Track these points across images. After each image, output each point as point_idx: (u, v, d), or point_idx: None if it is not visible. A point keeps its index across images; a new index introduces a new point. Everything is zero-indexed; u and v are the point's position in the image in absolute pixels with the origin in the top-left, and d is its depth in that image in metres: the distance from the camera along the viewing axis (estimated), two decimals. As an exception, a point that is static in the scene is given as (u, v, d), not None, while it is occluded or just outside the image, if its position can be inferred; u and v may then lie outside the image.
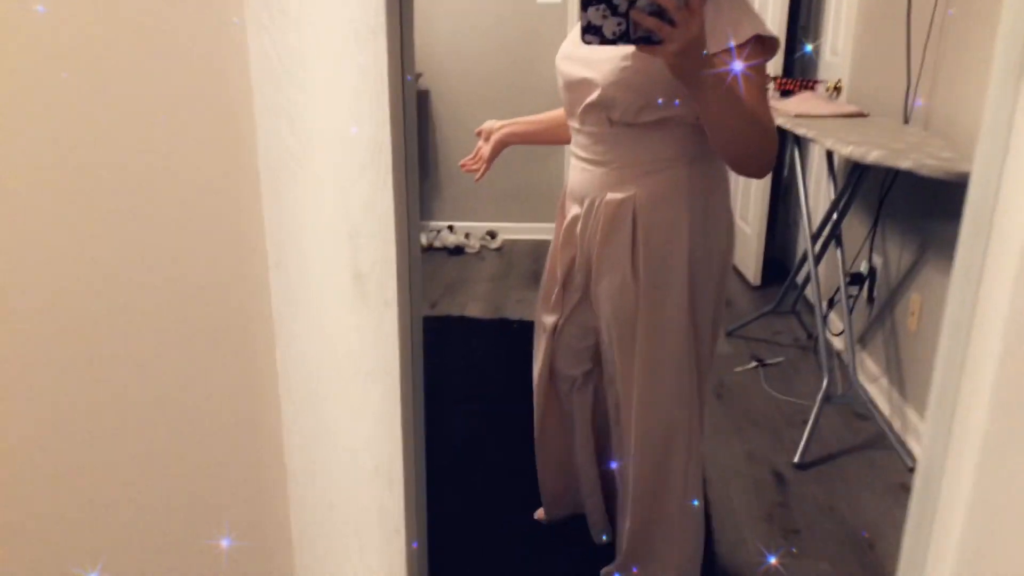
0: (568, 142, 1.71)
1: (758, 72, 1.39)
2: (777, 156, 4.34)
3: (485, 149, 1.87)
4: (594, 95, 1.49)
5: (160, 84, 0.62)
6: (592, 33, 1.21)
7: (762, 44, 1.38)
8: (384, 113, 0.54)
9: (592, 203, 1.61)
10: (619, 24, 1.19)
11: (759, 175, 1.47)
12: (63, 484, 0.81)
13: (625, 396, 1.67)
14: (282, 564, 0.73)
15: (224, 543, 0.78)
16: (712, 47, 1.30)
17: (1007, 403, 0.67)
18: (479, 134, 1.89)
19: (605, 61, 1.46)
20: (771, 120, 1.39)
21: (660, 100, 1.44)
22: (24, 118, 0.69)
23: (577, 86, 1.54)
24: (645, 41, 1.20)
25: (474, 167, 1.88)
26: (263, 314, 0.64)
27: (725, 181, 1.62)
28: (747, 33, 1.35)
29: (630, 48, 1.40)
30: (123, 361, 0.76)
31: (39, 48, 0.67)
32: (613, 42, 1.21)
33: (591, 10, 1.19)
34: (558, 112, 1.82)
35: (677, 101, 1.43)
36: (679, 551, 1.76)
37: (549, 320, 1.85)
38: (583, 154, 1.61)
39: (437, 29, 4.71)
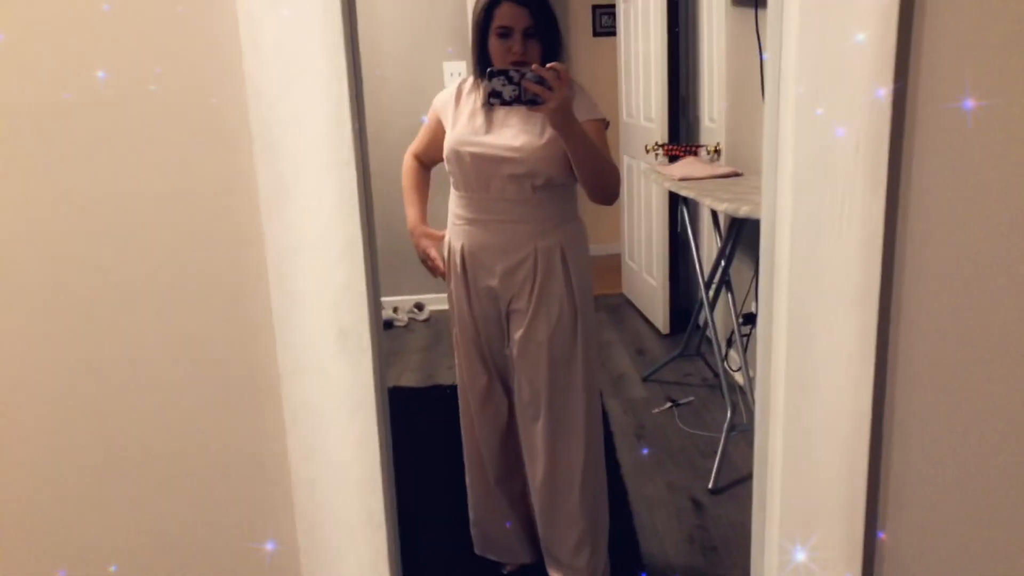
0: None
1: (604, 131, 1.98)
2: (670, 214, 4.63)
3: (438, 252, 2.16)
4: (520, 168, 1.89)
5: (192, 248, 0.89)
6: (495, 97, 1.66)
7: (604, 121, 1.96)
8: (355, 221, 0.79)
9: (525, 253, 1.97)
10: (514, 90, 1.65)
11: (609, 201, 1.97)
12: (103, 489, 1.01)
13: (565, 400, 2.05)
14: (287, 552, 0.95)
15: (268, 546, 0.99)
16: (580, 117, 1.82)
17: (795, 372, 0.96)
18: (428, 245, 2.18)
19: (524, 144, 1.88)
20: (613, 161, 1.92)
21: (565, 169, 1.91)
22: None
23: (491, 162, 1.91)
24: (532, 102, 1.66)
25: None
26: (270, 366, 0.88)
27: None
28: (601, 114, 1.94)
29: (542, 138, 1.88)
30: (163, 419, 0.98)
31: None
32: (510, 104, 1.67)
33: (495, 80, 1.65)
34: (416, 184, 2.21)
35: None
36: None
37: (498, 411, 2.18)
38: (499, 216, 1.97)
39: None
